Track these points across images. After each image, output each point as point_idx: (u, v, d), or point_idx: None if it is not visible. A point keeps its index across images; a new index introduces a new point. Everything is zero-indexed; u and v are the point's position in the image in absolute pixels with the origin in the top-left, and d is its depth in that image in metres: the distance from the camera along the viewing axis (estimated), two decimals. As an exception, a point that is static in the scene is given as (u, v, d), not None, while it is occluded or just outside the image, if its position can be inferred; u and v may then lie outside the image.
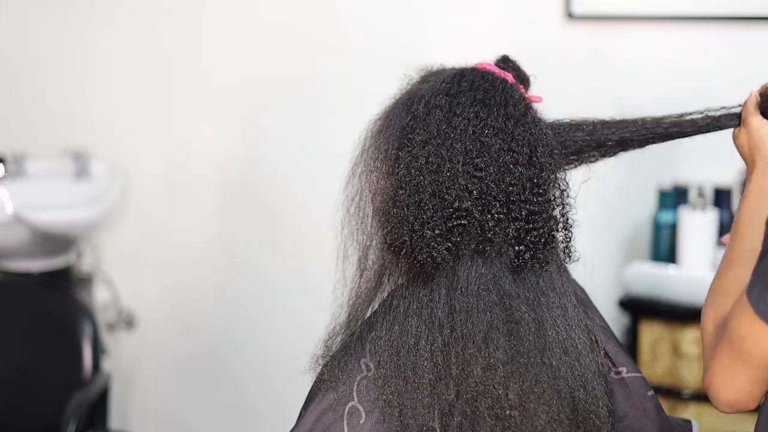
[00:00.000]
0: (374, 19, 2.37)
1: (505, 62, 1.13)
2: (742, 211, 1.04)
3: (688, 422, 1.22)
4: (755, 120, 1.09)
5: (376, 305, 1.10)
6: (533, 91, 1.14)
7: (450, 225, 1.00)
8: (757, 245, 0.96)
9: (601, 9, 2.10)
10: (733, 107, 1.14)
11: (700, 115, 1.15)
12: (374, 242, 1.08)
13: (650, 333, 1.91)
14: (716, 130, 1.15)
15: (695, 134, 1.16)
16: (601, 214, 2.14)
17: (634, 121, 1.16)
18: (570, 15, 2.12)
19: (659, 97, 2.01)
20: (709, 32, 2.03)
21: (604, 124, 1.15)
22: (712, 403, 0.99)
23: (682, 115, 1.15)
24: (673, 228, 1.96)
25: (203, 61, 2.60)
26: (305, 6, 2.44)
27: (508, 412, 0.97)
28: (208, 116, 2.61)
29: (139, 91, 2.68)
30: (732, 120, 1.13)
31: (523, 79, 1.13)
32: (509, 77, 1.10)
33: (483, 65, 1.11)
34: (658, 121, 1.15)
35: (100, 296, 2.74)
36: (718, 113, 1.14)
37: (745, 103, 1.12)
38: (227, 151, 2.60)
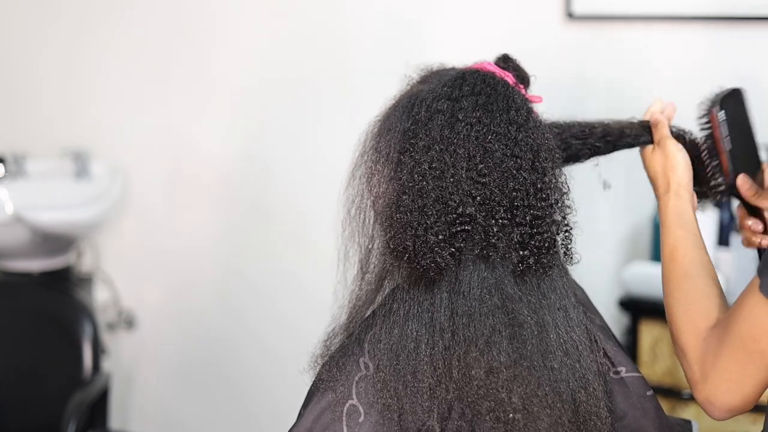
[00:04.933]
0: (374, 19, 2.37)
1: (505, 61, 1.13)
2: (669, 231, 1.10)
3: (688, 422, 1.22)
4: (671, 144, 1.15)
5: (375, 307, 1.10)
6: (533, 92, 1.14)
7: (453, 230, 1.00)
8: (703, 255, 1.08)
9: (601, 9, 2.10)
10: (636, 124, 1.20)
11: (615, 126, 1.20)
12: (375, 245, 1.07)
13: (650, 333, 1.91)
14: (631, 146, 1.20)
15: (612, 150, 1.21)
16: (601, 214, 2.14)
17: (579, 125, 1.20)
18: (570, 15, 2.12)
19: (659, 97, 2.00)
20: (709, 32, 2.03)
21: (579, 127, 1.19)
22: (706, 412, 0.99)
23: (594, 126, 1.19)
24: (673, 228, 1.96)
25: (204, 61, 2.60)
26: (306, 7, 2.44)
27: (511, 416, 0.97)
28: (208, 116, 2.61)
29: (139, 91, 2.68)
30: (646, 137, 1.19)
31: (524, 79, 1.13)
32: (509, 77, 1.10)
33: (483, 65, 1.11)
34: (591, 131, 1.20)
35: (100, 296, 2.74)
36: (630, 130, 1.19)
37: (658, 124, 1.17)
38: (227, 151, 2.60)
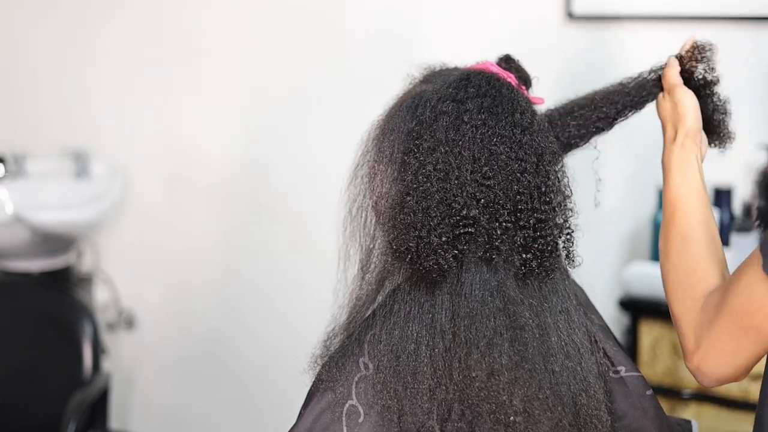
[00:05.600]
0: (375, 19, 2.37)
1: (507, 62, 1.13)
2: (670, 187, 1.07)
3: (688, 422, 1.22)
4: (681, 91, 1.12)
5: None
6: (534, 92, 1.14)
7: (457, 233, 0.99)
8: (705, 214, 1.02)
9: (601, 9, 2.10)
10: (651, 72, 1.17)
11: (626, 83, 1.18)
12: (377, 245, 1.07)
13: (650, 333, 1.91)
14: (647, 100, 1.18)
15: (631, 108, 1.18)
16: (601, 214, 2.14)
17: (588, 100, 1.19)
18: (570, 15, 2.12)
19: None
20: (710, 32, 2.01)
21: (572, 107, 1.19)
22: (703, 387, 0.98)
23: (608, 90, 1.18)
24: (673, 228, 1.96)
25: (204, 62, 2.60)
26: (307, 8, 2.44)
27: (512, 418, 0.97)
28: (209, 117, 2.61)
29: (139, 91, 2.69)
30: (656, 87, 1.16)
31: (525, 80, 1.13)
32: (511, 78, 1.09)
33: (486, 65, 1.10)
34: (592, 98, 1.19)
35: (100, 296, 2.74)
36: (639, 80, 1.17)
37: (667, 72, 1.14)
38: (227, 151, 2.60)
